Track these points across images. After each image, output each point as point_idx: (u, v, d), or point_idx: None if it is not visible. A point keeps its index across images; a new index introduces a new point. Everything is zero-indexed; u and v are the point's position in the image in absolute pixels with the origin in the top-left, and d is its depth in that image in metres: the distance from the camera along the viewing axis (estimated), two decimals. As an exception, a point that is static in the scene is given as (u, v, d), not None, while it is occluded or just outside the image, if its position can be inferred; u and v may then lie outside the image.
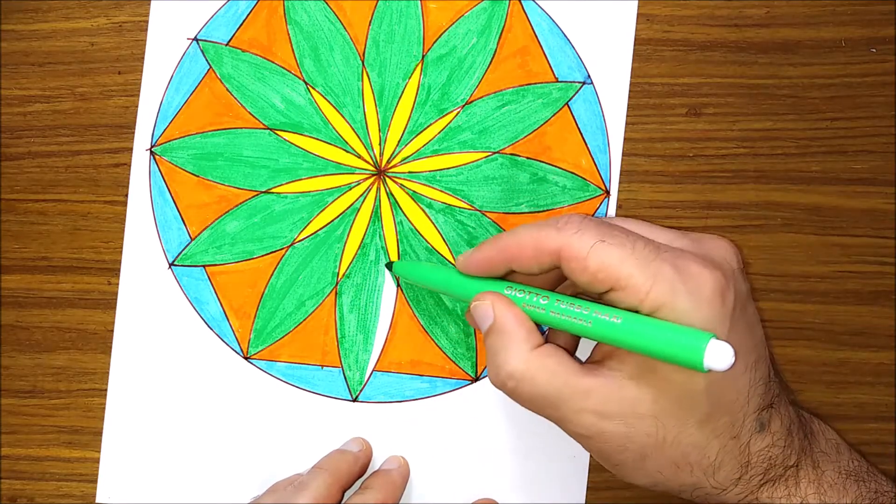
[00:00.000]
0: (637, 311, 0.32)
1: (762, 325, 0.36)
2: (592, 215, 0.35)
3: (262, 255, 0.43)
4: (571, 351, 0.38)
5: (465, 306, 0.42)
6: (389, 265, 0.42)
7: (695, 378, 0.32)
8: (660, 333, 0.31)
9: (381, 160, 0.43)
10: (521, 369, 0.34)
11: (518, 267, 0.35)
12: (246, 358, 0.43)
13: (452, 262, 0.42)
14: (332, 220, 0.43)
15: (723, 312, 0.32)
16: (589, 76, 0.43)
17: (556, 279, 0.36)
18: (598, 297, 0.33)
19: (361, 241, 0.43)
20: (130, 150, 0.43)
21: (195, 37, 0.43)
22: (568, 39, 0.42)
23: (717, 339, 0.30)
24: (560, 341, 0.38)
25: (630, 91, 0.42)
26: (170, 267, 0.43)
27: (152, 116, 0.43)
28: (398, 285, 0.42)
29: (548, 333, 0.39)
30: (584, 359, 0.36)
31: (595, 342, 0.36)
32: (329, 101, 0.43)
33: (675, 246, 0.34)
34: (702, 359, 0.30)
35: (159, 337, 0.43)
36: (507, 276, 0.36)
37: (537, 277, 0.35)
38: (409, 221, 0.43)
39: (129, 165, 0.43)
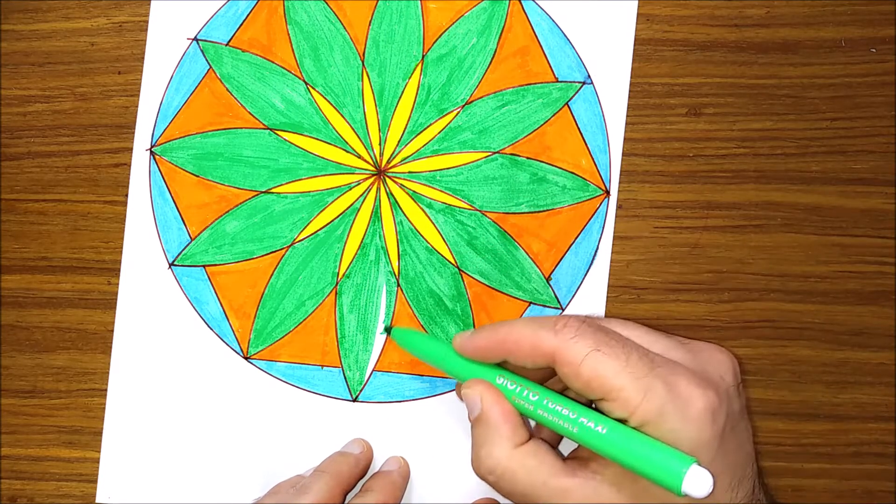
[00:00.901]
0: (626, 423, 0.32)
1: (753, 444, 0.36)
2: (585, 317, 0.36)
3: (262, 255, 0.43)
4: (557, 441, 0.39)
5: (466, 307, 0.42)
6: (388, 329, 0.42)
7: (674, 495, 0.32)
8: (642, 450, 0.31)
9: (381, 160, 0.43)
10: (502, 466, 0.34)
11: (513, 361, 0.35)
12: (246, 358, 0.43)
13: (453, 262, 0.42)
14: (332, 220, 0.43)
15: (710, 433, 0.32)
16: (589, 76, 0.43)
17: (551, 372, 0.36)
18: (589, 402, 0.34)
19: (361, 241, 0.43)
20: (130, 150, 0.43)
21: (195, 37, 0.43)
22: (568, 39, 0.42)
23: (699, 465, 0.30)
24: (545, 434, 0.39)
25: (630, 91, 0.42)
26: (170, 267, 0.43)
27: (152, 116, 0.43)
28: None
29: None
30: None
31: None
32: (329, 101, 0.43)
33: (672, 357, 0.34)
34: (680, 484, 0.30)
35: (159, 337, 0.43)
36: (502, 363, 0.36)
37: (531, 371, 0.36)
38: (409, 221, 0.43)
39: (129, 165, 0.43)
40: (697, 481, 0.30)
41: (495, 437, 0.35)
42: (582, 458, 0.35)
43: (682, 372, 0.33)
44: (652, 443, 0.31)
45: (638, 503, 0.33)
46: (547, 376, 0.37)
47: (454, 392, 0.42)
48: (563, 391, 0.36)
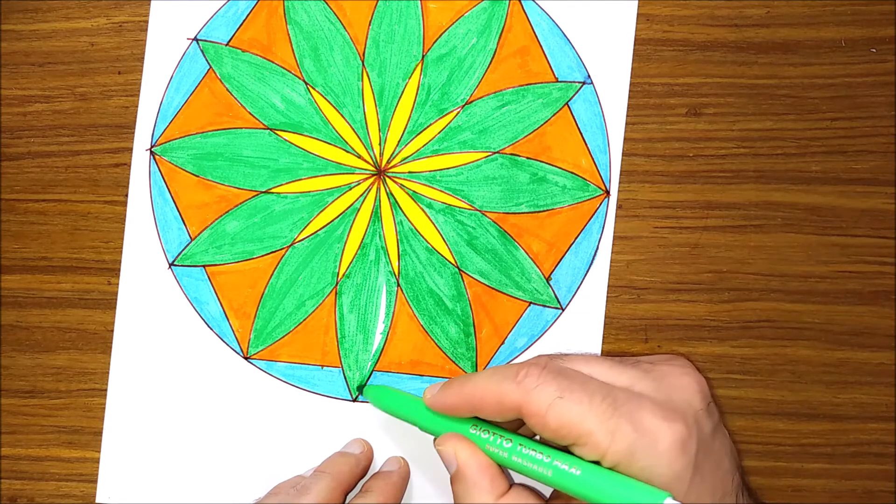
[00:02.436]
0: (599, 464, 0.33)
1: (734, 450, 0.36)
2: (549, 362, 0.36)
3: (262, 255, 0.43)
4: None
5: (466, 307, 0.42)
6: (361, 388, 0.42)
7: None
8: (617, 490, 0.32)
9: (381, 160, 0.43)
10: None
11: (482, 416, 0.36)
12: (246, 358, 0.43)
13: (452, 262, 0.42)
14: (332, 220, 0.43)
15: (682, 464, 0.33)
16: (589, 76, 0.43)
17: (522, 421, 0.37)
18: (563, 447, 0.34)
19: (361, 241, 0.43)
20: (130, 150, 0.43)
21: (195, 37, 0.43)
22: (568, 39, 0.42)
23: (672, 499, 0.31)
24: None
25: (630, 91, 0.42)
26: (170, 267, 0.43)
27: (152, 116, 0.43)
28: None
29: None
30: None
31: None
32: (329, 101, 0.43)
33: (638, 389, 0.35)
34: None
35: (159, 337, 0.43)
36: None
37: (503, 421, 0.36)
38: (409, 221, 0.43)
39: (129, 165, 0.43)
40: None
41: (475, 492, 0.35)
42: (563, 498, 0.35)
43: (647, 406, 0.33)
44: (626, 481, 0.32)
45: None
46: (520, 424, 0.37)
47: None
48: (535, 436, 0.36)
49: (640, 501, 0.31)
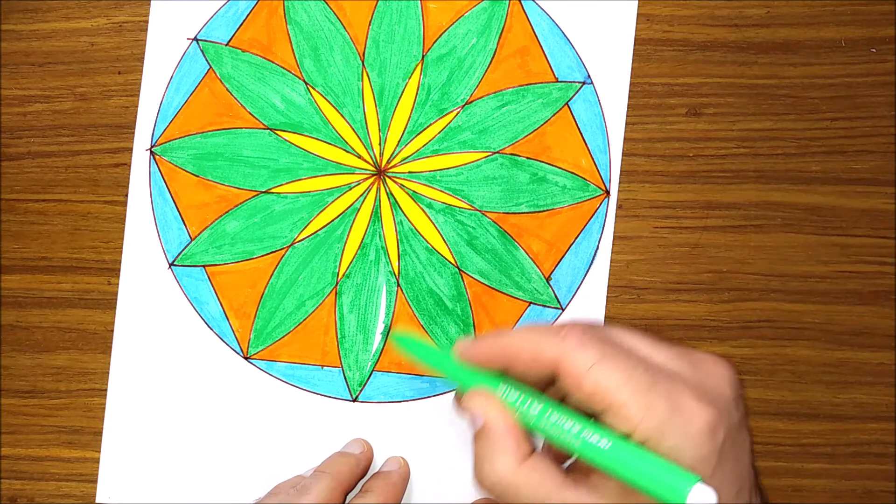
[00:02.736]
0: (628, 437, 0.32)
1: (752, 451, 0.36)
2: (590, 324, 0.35)
3: (262, 255, 0.43)
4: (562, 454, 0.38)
5: (466, 307, 0.42)
6: (388, 331, 0.42)
7: None
8: (645, 468, 0.31)
9: (381, 160, 0.43)
10: (506, 481, 0.34)
11: (514, 371, 0.35)
12: (246, 358, 0.43)
13: (453, 262, 0.42)
14: (332, 220, 0.43)
15: (710, 449, 0.32)
16: (589, 76, 0.43)
17: (551, 380, 0.36)
18: (592, 414, 0.34)
19: (361, 241, 0.43)
20: (130, 150, 0.43)
21: (195, 37, 0.43)
22: (568, 39, 0.42)
23: (703, 482, 0.30)
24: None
25: (630, 91, 0.42)
26: (170, 267, 0.43)
27: (152, 116, 0.43)
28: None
29: None
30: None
31: None
32: (329, 101, 0.43)
33: (673, 368, 0.34)
34: (684, 502, 0.30)
35: (159, 337, 0.43)
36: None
37: (531, 378, 0.35)
38: (409, 221, 0.43)
39: (129, 165, 0.43)
40: (702, 498, 0.30)
41: (498, 451, 0.34)
42: (583, 469, 0.35)
43: (683, 387, 0.33)
44: (655, 460, 0.31)
45: None
46: (546, 385, 0.37)
47: (453, 392, 0.42)
48: (563, 399, 0.36)
49: (669, 482, 0.31)
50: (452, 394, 0.42)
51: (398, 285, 0.43)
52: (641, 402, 0.32)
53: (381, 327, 0.43)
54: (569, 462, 0.36)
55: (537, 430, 0.35)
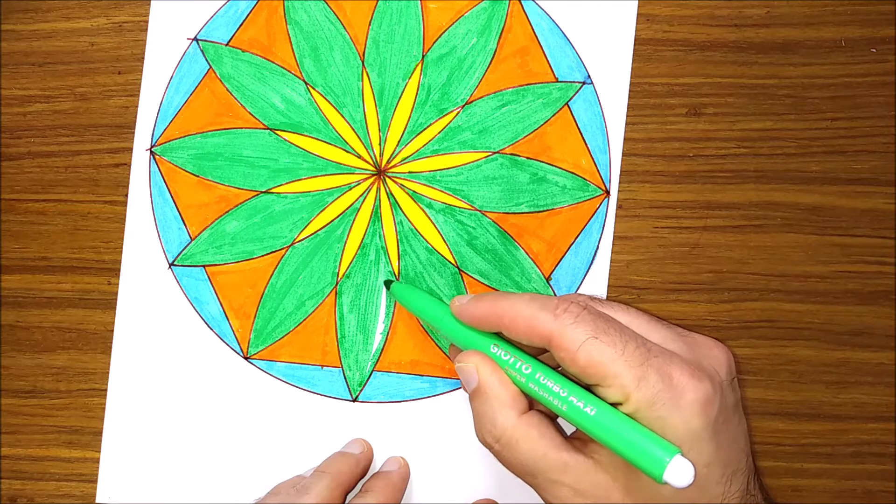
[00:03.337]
0: (619, 407, 0.32)
1: (748, 439, 0.36)
2: (588, 299, 0.36)
3: (262, 255, 0.43)
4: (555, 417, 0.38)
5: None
6: (388, 283, 0.42)
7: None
8: (628, 435, 0.31)
9: (381, 160, 0.43)
10: (507, 433, 0.34)
11: (508, 336, 0.35)
12: (246, 358, 0.43)
13: (453, 262, 0.42)
14: (332, 220, 0.43)
15: (701, 423, 0.32)
16: (589, 76, 0.43)
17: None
18: (585, 386, 0.34)
19: (361, 241, 0.43)
20: (130, 150, 0.43)
21: (195, 37, 0.43)
22: (568, 39, 0.42)
23: (682, 455, 0.30)
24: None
25: (630, 91, 0.42)
26: (170, 267, 0.43)
27: (152, 116, 0.43)
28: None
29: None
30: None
31: None
32: (329, 101, 0.43)
33: (669, 347, 0.34)
34: (662, 472, 0.30)
35: (159, 337, 0.43)
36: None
37: (526, 345, 0.36)
38: (409, 221, 0.43)
39: (129, 165, 0.43)
40: (680, 471, 0.30)
41: (497, 406, 0.35)
42: (583, 438, 0.35)
43: (677, 362, 0.33)
44: (639, 429, 0.32)
45: (631, 487, 0.33)
46: (542, 350, 0.37)
47: (453, 392, 0.42)
48: (557, 367, 0.36)
49: (649, 451, 0.31)
50: (454, 393, 0.42)
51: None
52: (634, 374, 0.32)
53: (381, 327, 0.43)
54: (572, 433, 0.36)
55: (525, 391, 0.35)
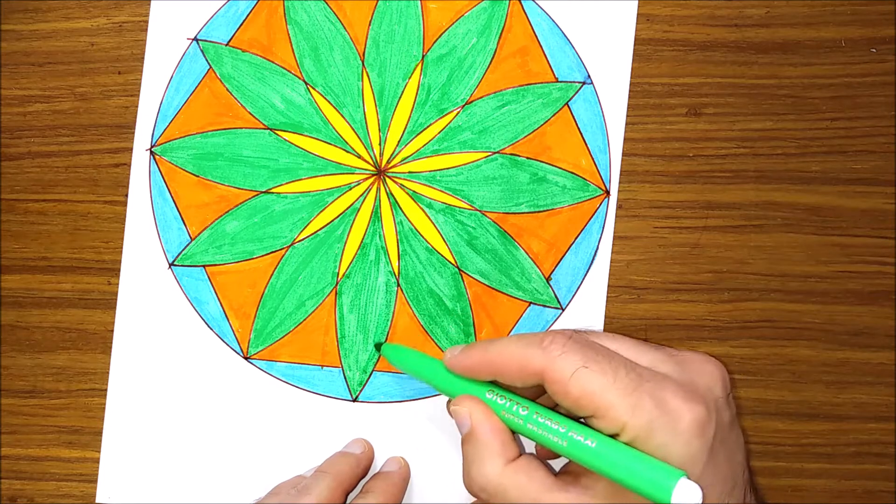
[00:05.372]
0: (616, 438, 0.32)
1: (745, 448, 0.36)
2: (575, 331, 0.36)
3: (262, 255, 0.43)
4: (551, 456, 0.38)
5: (466, 307, 0.42)
6: (378, 346, 0.42)
7: None
8: (631, 464, 0.31)
9: (381, 160, 0.43)
10: (493, 483, 0.34)
11: (502, 380, 0.35)
12: (246, 358, 0.43)
13: (453, 262, 0.42)
14: (332, 220, 0.43)
15: (699, 446, 0.32)
16: (589, 76, 0.43)
17: (542, 389, 0.36)
18: (580, 418, 0.34)
19: (361, 241, 0.43)
20: (130, 150, 0.43)
21: (195, 37, 0.43)
22: (568, 39, 0.42)
23: (688, 478, 0.30)
24: (539, 450, 0.39)
25: (630, 91, 0.42)
26: (170, 267, 0.43)
27: (152, 116, 0.43)
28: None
29: None
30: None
31: None
32: (329, 101, 0.43)
33: (660, 370, 0.35)
34: (669, 498, 0.30)
35: (159, 337, 0.43)
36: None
37: (522, 388, 0.36)
38: (409, 221, 0.43)
39: (129, 165, 0.43)
40: (686, 494, 0.30)
41: (485, 454, 0.35)
42: (573, 472, 0.35)
43: (670, 386, 0.33)
44: (641, 457, 0.32)
45: None
46: (538, 393, 0.37)
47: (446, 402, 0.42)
48: (554, 407, 0.36)
49: (654, 478, 0.31)
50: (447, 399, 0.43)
51: (398, 285, 0.43)
52: (627, 403, 0.32)
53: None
54: (562, 468, 0.37)
55: (525, 433, 0.35)
